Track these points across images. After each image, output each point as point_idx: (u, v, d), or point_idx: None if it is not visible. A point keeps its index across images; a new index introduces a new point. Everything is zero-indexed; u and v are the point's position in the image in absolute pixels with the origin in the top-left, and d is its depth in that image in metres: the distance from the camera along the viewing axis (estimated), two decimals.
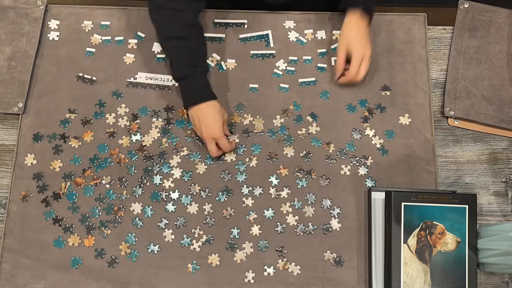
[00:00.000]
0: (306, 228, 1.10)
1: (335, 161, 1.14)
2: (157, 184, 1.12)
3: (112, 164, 1.13)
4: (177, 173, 1.13)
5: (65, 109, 1.17)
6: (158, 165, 1.13)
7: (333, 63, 1.21)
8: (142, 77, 1.20)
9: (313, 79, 1.20)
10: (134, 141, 1.15)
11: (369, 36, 1.15)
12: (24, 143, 1.15)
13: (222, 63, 1.21)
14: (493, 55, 1.21)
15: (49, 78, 1.19)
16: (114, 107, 1.17)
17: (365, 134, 1.16)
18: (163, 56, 1.21)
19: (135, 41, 1.23)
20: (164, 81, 1.20)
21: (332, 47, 1.23)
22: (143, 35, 1.23)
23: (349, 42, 1.14)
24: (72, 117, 1.17)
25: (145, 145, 1.14)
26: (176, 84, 1.16)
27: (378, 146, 1.15)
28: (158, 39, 1.20)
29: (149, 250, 1.08)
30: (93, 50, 1.22)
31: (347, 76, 1.15)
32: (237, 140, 1.14)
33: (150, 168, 1.13)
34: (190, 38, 1.13)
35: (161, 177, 1.12)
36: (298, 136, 1.16)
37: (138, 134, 1.15)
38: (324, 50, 1.23)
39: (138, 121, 1.16)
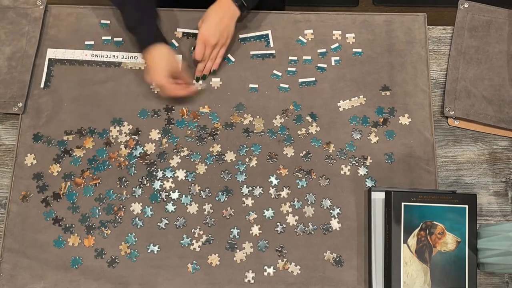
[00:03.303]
0: (306, 228, 1.10)
1: (335, 161, 1.14)
2: (157, 184, 1.12)
3: (111, 167, 1.13)
4: (177, 173, 1.13)
5: (65, 109, 1.17)
6: (158, 167, 1.13)
7: (333, 63, 1.21)
8: None
9: (313, 79, 1.20)
10: (134, 155, 1.13)
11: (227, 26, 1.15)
12: (24, 143, 1.15)
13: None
14: (493, 55, 1.21)
15: (49, 78, 1.19)
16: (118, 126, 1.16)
17: (368, 137, 1.16)
18: None
19: None
20: None
21: (332, 47, 1.23)
22: None
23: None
24: (70, 139, 1.15)
25: (147, 155, 1.14)
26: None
27: (385, 151, 1.15)
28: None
29: (149, 250, 1.08)
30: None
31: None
32: (200, 88, 1.17)
33: (150, 168, 1.13)
34: None
35: (161, 177, 1.12)
36: (298, 136, 1.16)
37: (139, 146, 1.14)
38: (324, 50, 1.23)
39: (138, 134, 1.15)
